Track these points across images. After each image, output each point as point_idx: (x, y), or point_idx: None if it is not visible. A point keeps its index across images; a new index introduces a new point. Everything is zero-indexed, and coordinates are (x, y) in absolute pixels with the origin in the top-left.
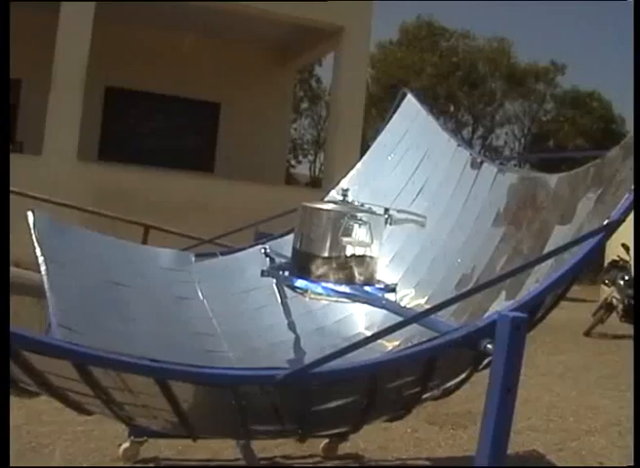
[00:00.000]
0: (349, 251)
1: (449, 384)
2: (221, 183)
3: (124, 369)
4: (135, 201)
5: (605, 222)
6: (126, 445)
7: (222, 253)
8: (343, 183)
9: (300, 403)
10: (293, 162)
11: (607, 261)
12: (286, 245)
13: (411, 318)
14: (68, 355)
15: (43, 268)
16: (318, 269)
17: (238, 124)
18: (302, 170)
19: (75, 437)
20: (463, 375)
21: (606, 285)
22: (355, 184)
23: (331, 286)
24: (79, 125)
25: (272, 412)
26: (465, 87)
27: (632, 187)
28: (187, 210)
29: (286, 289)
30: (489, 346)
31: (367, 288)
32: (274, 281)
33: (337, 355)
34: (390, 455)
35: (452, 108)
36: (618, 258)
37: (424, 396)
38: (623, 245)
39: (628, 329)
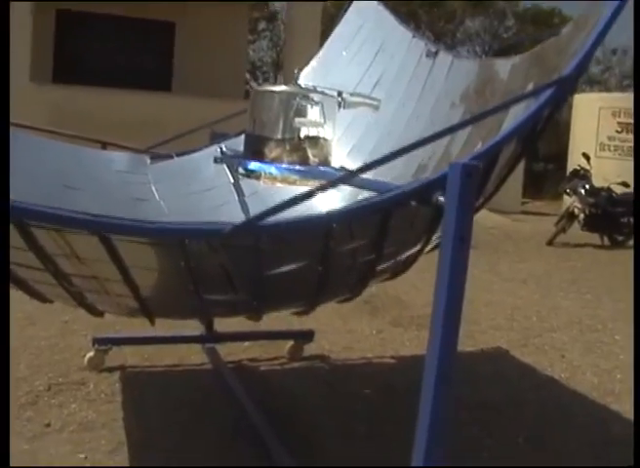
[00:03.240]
0: (303, 132)
1: (404, 255)
2: (179, 101)
3: (65, 224)
4: (91, 121)
5: (557, 77)
6: (90, 354)
7: (178, 155)
8: (300, 81)
9: (252, 265)
10: (254, 84)
11: (568, 171)
12: (241, 144)
13: (357, 170)
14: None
15: None
16: (272, 152)
17: (194, 43)
18: None
19: (39, 350)
20: (418, 246)
21: (567, 194)
22: (311, 80)
23: (284, 166)
24: (30, 48)
25: (224, 278)
26: (426, 5)
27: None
28: (145, 128)
29: (243, 185)
30: (441, 199)
31: (321, 168)
32: (231, 180)
33: (283, 206)
34: (356, 355)
35: (412, 26)
36: (579, 168)
37: (380, 267)
38: (584, 154)
39: (589, 237)
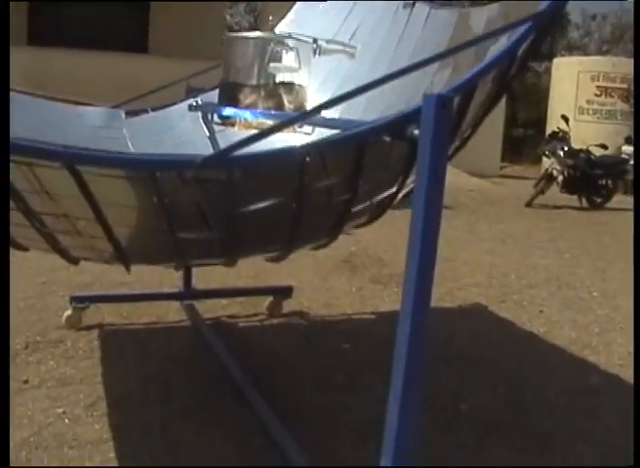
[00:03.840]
0: (278, 78)
1: (380, 196)
2: (156, 61)
3: (34, 155)
4: (67, 83)
5: (534, 12)
6: (68, 312)
7: (154, 109)
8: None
9: (225, 201)
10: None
11: (547, 133)
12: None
13: (323, 104)
14: None
15: None
16: (246, 98)
17: (170, 6)
18: None
19: (17, 311)
20: (394, 188)
21: (546, 156)
22: (287, 30)
23: (259, 111)
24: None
25: (198, 215)
26: None
27: None
28: (122, 89)
29: (218, 137)
30: (415, 132)
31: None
32: (206, 133)
33: (254, 138)
34: (335, 311)
35: None
36: (557, 130)
37: (355, 208)
38: (563, 116)
39: (568, 199)
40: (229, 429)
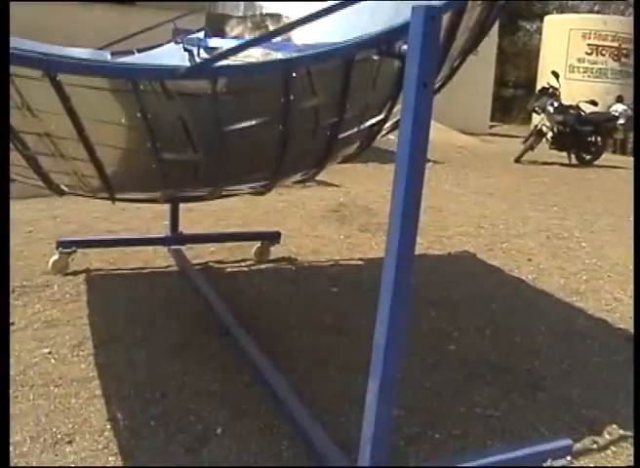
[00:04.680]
0: (264, 9)
1: (367, 123)
2: (143, 12)
3: (13, 62)
4: (52, 37)
5: None
6: (55, 257)
7: (139, 51)
8: None
9: (210, 118)
10: None
11: (537, 89)
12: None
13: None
14: None
15: None
16: (233, 30)
17: None
18: None
19: None
20: (382, 115)
21: (536, 112)
22: None
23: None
24: None
25: (183, 133)
26: None
27: None
28: (109, 39)
29: None
30: (404, 47)
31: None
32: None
33: (236, 49)
34: (323, 258)
35: None
36: (547, 85)
37: (343, 134)
38: (553, 72)
39: (557, 156)
40: (216, 367)
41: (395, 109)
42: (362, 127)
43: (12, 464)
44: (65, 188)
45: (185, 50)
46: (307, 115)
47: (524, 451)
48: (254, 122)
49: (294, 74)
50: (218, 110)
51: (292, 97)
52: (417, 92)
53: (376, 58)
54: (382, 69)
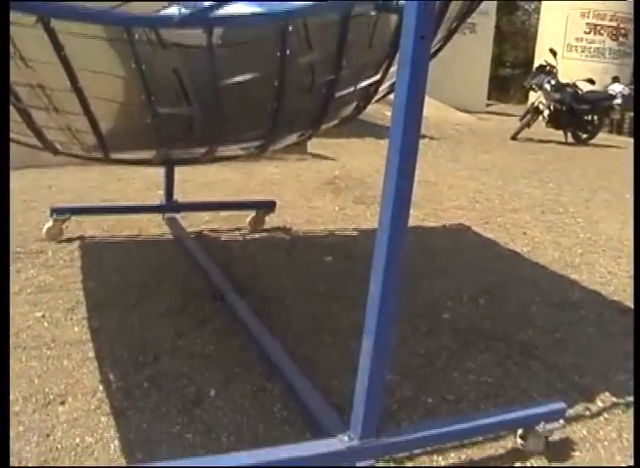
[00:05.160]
0: None
1: (363, 83)
2: None
3: None
4: None
5: None
6: (49, 224)
7: None
8: None
9: (205, 71)
10: None
11: (535, 67)
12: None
13: None
14: None
15: None
16: None
17: None
18: None
19: None
20: (378, 76)
21: (533, 90)
22: None
23: None
24: None
25: (178, 86)
26: None
27: None
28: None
29: None
30: (401, 2)
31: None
32: None
33: None
34: (318, 228)
35: None
36: (545, 63)
37: (339, 93)
38: (551, 50)
39: (554, 134)
40: (210, 332)
41: (392, 70)
42: (358, 86)
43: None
44: (60, 146)
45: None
46: (303, 71)
47: (517, 413)
48: (249, 76)
49: (290, 28)
50: (213, 63)
51: (288, 52)
52: (414, 44)
53: (373, 13)
54: (379, 28)
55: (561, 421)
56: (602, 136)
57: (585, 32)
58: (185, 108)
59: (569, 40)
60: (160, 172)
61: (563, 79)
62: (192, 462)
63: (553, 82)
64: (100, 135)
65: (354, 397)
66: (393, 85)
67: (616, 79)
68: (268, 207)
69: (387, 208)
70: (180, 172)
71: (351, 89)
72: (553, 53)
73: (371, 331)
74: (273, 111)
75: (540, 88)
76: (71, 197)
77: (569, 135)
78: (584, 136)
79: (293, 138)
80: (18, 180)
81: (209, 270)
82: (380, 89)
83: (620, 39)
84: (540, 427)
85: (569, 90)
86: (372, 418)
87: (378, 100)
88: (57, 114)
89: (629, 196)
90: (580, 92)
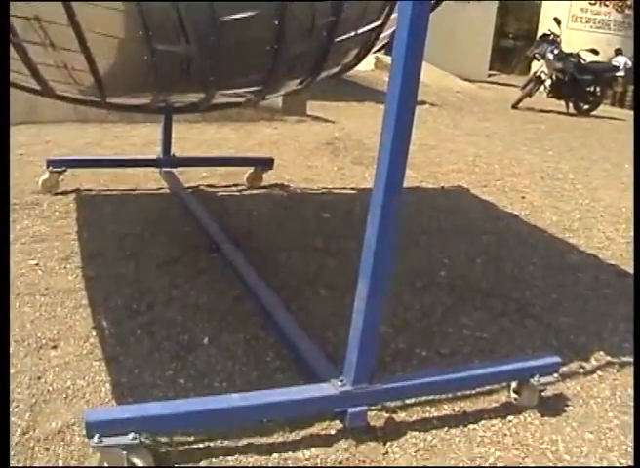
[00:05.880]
0: None
1: (364, 28)
2: None
3: None
4: None
5: None
6: (45, 176)
7: None
8: None
9: (204, 7)
10: None
11: (538, 36)
12: None
13: None
14: None
15: None
16: None
17: None
18: None
19: None
20: (379, 21)
21: (535, 59)
22: None
23: None
24: None
25: (176, 23)
26: None
27: None
28: None
29: None
30: None
31: None
32: None
33: None
34: (316, 186)
35: None
36: (549, 32)
37: (339, 37)
38: (555, 18)
39: (555, 105)
40: (205, 282)
41: (393, 16)
42: (359, 31)
43: None
44: (56, 88)
45: None
46: (304, 11)
47: (512, 365)
48: (248, 14)
49: None
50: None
51: None
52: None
53: None
54: None
55: (555, 375)
56: (603, 109)
57: (591, 3)
58: (184, 46)
59: (574, 10)
60: (157, 130)
61: (567, 50)
62: (185, 403)
63: (556, 51)
64: (97, 73)
65: (348, 342)
66: (394, 34)
67: (619, 51)
68: (266, 164)
69: (388, 132)
70: (177, 131)
71: (352, 33)
72: (557, 21)
73: (366, 275)
74: (273, 53)
75: (543, 57)
76: (68, 152)
77: (570, 105)
78: (586, 107)
79: (292, 86)
80: (15, 135)
81: (205, 222)
82: (382, 36)
83: (627, 11)
84: (535, 380)
85: (572, 59)
86: (365, 364)
87: (379, 50)
88: (53, 50)
89: (629, 165)
90: (582, 62)
